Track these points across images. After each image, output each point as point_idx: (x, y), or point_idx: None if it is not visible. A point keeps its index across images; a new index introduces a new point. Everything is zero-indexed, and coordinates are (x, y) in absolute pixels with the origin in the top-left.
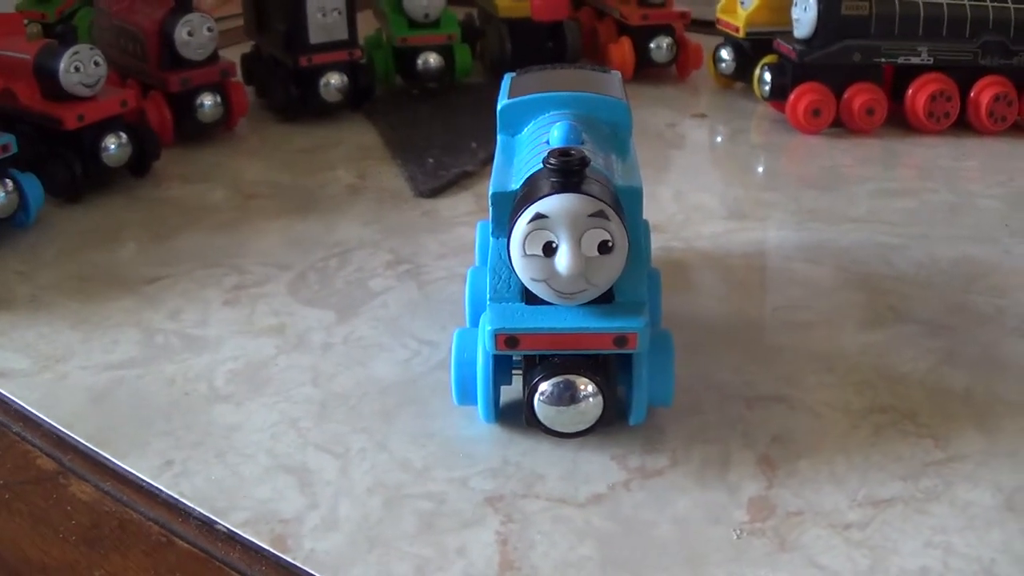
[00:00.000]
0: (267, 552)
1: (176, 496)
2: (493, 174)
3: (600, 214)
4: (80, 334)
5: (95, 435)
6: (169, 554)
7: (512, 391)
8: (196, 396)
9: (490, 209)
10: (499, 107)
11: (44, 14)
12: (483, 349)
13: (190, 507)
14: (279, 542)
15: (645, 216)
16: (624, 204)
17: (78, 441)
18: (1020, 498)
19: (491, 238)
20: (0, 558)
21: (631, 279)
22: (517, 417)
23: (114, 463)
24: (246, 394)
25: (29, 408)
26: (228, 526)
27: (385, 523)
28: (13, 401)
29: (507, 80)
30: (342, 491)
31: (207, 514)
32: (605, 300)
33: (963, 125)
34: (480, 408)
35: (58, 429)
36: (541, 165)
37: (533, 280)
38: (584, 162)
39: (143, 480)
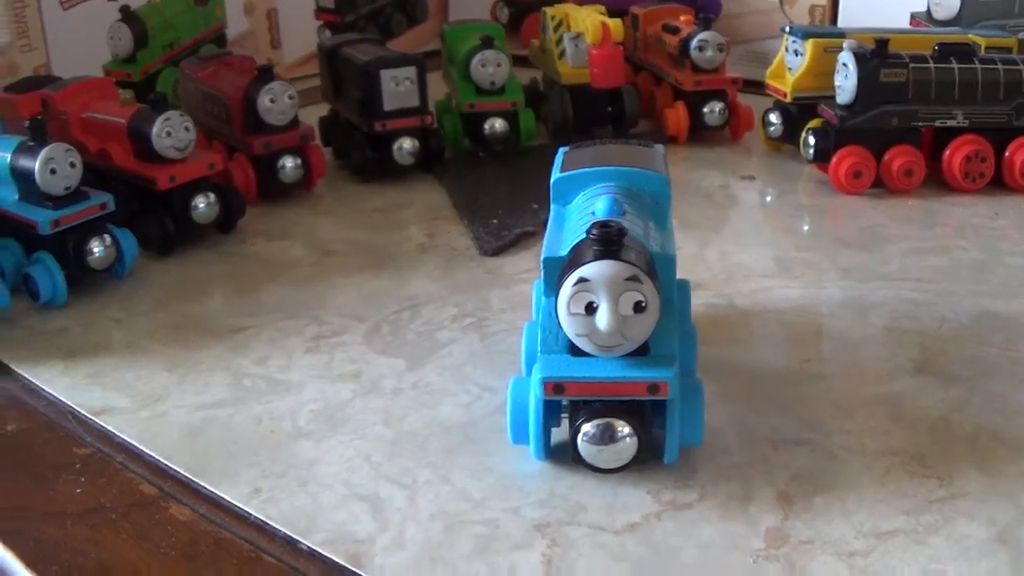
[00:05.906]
0: (344, 567)
1: (264, 519)
2: (545, 240)
3: (634, 278)
4: (175, 377)
5: (191, 465)
6: (257, 568)
7: (561, 432)
8: (280, 433)
9: (541, 272)
10: (552, 180)
11: (129, 74)
12: (534, 395)
13: (276, 528)
14: (354, 559)
15: (690, 276)
16: (658, 268)
17: (176, 471)
18: (1011, 532)
19: (542, 297)
20: (110, 570)
21: (663, 334)
22: (565, 455)
23: (209, 490)
24: (325, 432)
25: (131, 441)
26: (310, 545)
27: (446, 545)
28: (116, 435)
29: (560, 154)
30: (409, 517)
31: (291, 534)
32: (641, 352)
33: (999, 183)
34: (532, 447)
35: (158, 460)
36: (585, 235)
37: (577, 335)
38: (622, 233)
39: (234, 505)
